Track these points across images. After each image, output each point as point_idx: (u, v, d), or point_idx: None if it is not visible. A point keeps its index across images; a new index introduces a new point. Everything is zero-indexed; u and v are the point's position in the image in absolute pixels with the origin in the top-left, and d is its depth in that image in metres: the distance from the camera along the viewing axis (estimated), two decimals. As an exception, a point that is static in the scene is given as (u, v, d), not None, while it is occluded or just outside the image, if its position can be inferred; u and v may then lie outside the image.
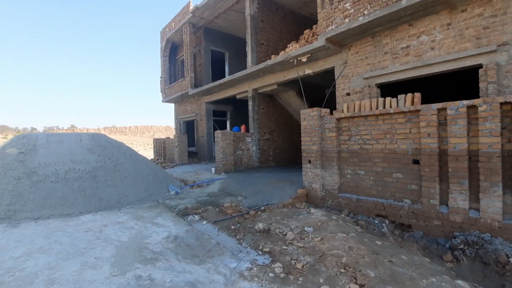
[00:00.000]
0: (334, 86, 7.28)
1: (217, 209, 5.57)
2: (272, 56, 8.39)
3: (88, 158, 6.35)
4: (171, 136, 15.04)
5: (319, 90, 11.02)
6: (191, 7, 12.29)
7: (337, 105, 7.17)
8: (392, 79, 6.12)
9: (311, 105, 9.86)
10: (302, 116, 6.17)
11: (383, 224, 4.65)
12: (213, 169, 9.68)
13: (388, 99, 4.87)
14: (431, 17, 5.54)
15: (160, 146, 15.13)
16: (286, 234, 3.96)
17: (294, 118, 12.15)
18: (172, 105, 17.08)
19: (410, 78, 5.94)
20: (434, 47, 5.54)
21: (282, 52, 8.01)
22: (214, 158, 12.89)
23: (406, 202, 4.63)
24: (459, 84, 9.21)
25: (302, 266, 3.03)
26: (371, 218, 4.95)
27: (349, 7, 6.02)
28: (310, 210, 5.11)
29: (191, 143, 14.91)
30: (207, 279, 2.88)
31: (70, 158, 6.13)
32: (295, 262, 3.14)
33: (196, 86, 13.38)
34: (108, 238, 3.99)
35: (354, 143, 5.37)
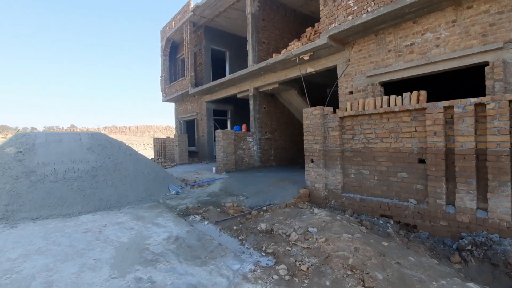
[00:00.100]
0: (337, 85, 7.19)
1: (219, 209, 5.48)
2: (274, 54, 8.30)
3: (88, 158, 6.27)
4: (171, 136, 14.95)
5: (321, 89, 10.93)
6: (191, 6, 12.19)
7: (339, 104, 7.08)
8: (396, 77, 6.03)
9: (312, 104, 9.74)
10: (305, 115, 6.08)
11: (388, 225, 4.57)
12: (213, 168, 9.60)
13: (392, 97, 4.78)
14: (436, 14, 5.45)
15: (161, 145, 15.05)
16: (289, 235, 3.87)
17: (295, 117, 12.06)
18: (172, 104, 16.99)
19: (414, 76, 5.86)
20: (439, 44, 5.45)
21: (283, 51, 7.92)
22: (215, 158, 12.81)
23: (411, 202, 4.54)
24: (463, 82, 9.12)
25: (307, 268, 2.94)
26: (375, 219, 4.86)
27: (352, 4, 5.94)
28: (313, 210, 5.03)
29: (191, 143, 14.82)
30: (209, 281, 2.79)
31: (70, 158, 6.04)
32: (299, 264, 3.05)
33: (196, 85, 13.29)
34: (108, 239, 3.91)
35: (357, 142, 5.28)
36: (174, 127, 17.34)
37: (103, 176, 6.05)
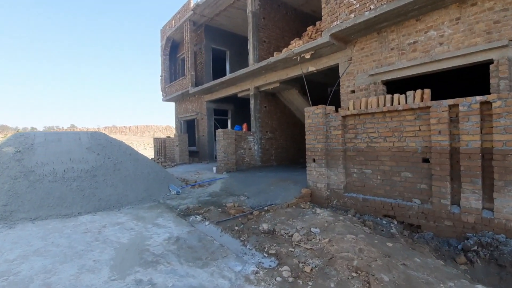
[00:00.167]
0: (338, 83, 7.12)
1: (220, 209, 5.42)
2: (275, 53, 8.24)
3: (87, 157, 6.20)
4: (172, 136, 14.89)
5: (321, 88, 10.87)
6: (191, 5, 12.12)
7: (341, 103, 7.01)
8: (398, 76, 5.96)
9: (313, 103, 9.67)
10: (307, 114, 6.01)
11: (392, 225, 4.51)
12: (214, 168, 9.53)
13: (396, 95, 4.71)
14: (440, 11, 5.39)
15: (161, 145, 14.98)
16: (292, 236, 3.81)
17: (296, 117, 12.00)
18: (173, 104, 16.93)
19: (417, 75, 5.79)
20: (443, 42, 5.39)
21: (285, 49, 7.85)
22: (215, 158, 12.74)
23: (415, 202, 4.47)
24: (467, 81, 9.05)
25: (311, 270, 2.88)
26: (378, 219, 4.79)
27: (354, 2, 5.87)
28: (315, 210, 4.96)
29: (191, 142, 14.75)
30: (211, 283, 2.73)
31: (69, 157, 5.98)
32: (303, 265, 2.99)
33: (196, 84, 13.23)
34: (107, 239, 3.85)
35: (360, 141, 5.22)
36: (174, 127, 17.28)
37: (103, 176, 5.98)
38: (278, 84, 9.47)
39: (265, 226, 4.31)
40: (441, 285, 2.58)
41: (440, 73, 6.09)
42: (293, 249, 3.43)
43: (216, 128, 13.27)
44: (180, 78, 14.47)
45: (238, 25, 12.82)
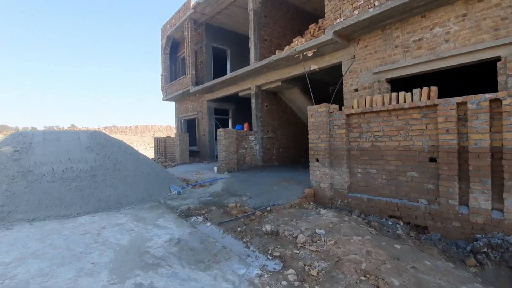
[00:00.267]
0: (341, 82, 7.02)
1: (221, 209, 5.32)
2: (277, 51, 8.13)
3: (87, 157, 6.10)
4: (172, 135, 14.79)
5: (323, 87, 10.76)
6: (192, 3, 12.01)
7: (344, 102, 6.91)
8: (403, 74, 5.86)
9: (315, 102, 9.57)
10: (310, 113, 5.90)
11: (398, 226, 4.40)
12: (215, 168, 9.44)
13: (402, 93, 4.61)
14: (446, 8, 5.28)
15: (161, 145, 14.88)
16: (296, 237, 3.71)
17: (297, 116, 11.89)
18: (173, 103, 16.82)
19: (422, 73, 5.69)
20: (449, 39, 5.28)
21: (287, 47, 7.74)
22: (216, 157, 12.64)
23: (422, 203, 4.37)
24: (472, 79, 8.93)
25: (317, 273, 2.78)
26: (384, 219, 4.68)
27: (358, -2, 5.76)
28: (319, 210, 4.86)
29: (192, 142, 14.65)
30: (214, 287, 2.63)
31: (68, 157, 5.88)
32: (309, 269, 2.89)
33: (197, 83, 13.12)
34: (107, 241, 3.75)
35: (365, 140, 5.11)
36: (174, 126, 17.17)
37: (103, 176, 5.88)
38: (280, 83, 9.36)
39: (268, 227, 4.21)
40: (454, 289, 2.48)
41: (445, 71, 5.99)
42: (298, 251, 3.32)
43: (217, 127, 13.17)
44: (181, 77, 14.37)
45: (239, 23, 12.71)
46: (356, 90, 6.66)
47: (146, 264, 3.08)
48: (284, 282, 2.68)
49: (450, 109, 3.99)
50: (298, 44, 7.40)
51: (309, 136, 5.96)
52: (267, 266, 3.08)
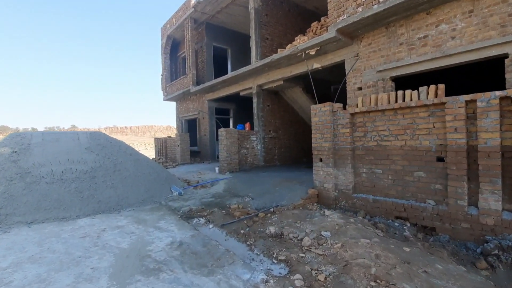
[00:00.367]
0: (345, 80, 6.91)
1: (224, 211, 5.22)
2: (278, 50, 8.01)
3: (86, 158, 6.00)
4: (173, 136, 14.68)
5: (325, 86, 10.66)
6: (192, 2, 11.90)
7: (348, 100, 6.80)
8: (408, 72, 5.74)
9: (316, 101, 9.48)
10: (313, 112, 5.80)
11: (405, 227, 4.30)
12: (216, 168, 9.33)
13: (408, 91, 4.51)
14: (451, 4, 5.16)
15: (162, 145, 14.77)
16: (302, 240, 3.60)
17: (299, 115, 11.78)
18: (173, 103, 16.72)
19: (428, 70, 5.57)
20: (455, 36, 5.17)
21: (289, 45, 7.63)
22: (217, 157, 12.54)
23: (429, 203, 4.26)
24: (478, 77, 8.81)
25: (325, 278, 2.67)
26: (390, 221, 4.58)
27: (362, -5, 5.65)
28: (324, 212, 4.75)
29: (193, 142, 14.55)
30: (218, 293, 2.53)
31: (67, 158, 5.78)
32: (316, 273, 2.78)
33: (198, 83, 13.02)
34: (107, 244, 3.64)
35: (370, 139, 5.00)
36: (175, 126, 17.06)
37: (103, 177, 5.78)
38: (282, 82, 9.25)
39: (272, 229, 4.11)
40: (469, 295, 2.38)
41: (450, 70, 5.89)
42: (303, 255, 3.22)
43: (218, 127, 13.07)
44: (181, 77, 14.26)
45: (240, 22, 12.61)
46: (360, 88, 6.56)
47: (147, 269, 2.98)
48: (290, 288, 2.58)
49: (459, 107, 3.89)
50: (301, 42, 7.29)
51: (312, 136, 5.85)
52: (272, 270, 2.97)
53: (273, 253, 3.36)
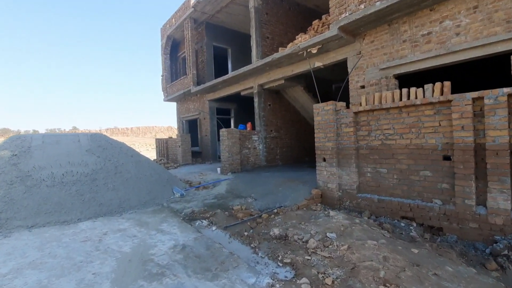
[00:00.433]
0: (345, 79, 6.82)
1: (226, 212, 5.15)
2: (280, 48, 7.94)
3: (87, 160, 5.94)
4: (173, 136, 14.63)
5: (326, 85, 10.58)
6: (192, 2, 11.83)
7: (350, 99, 6.72)
8: (412, 69, 5.66)
9: (317, 100, 9.40)
10: (316, 111, 5.72)
11: (411, 227, 4.22)
12: (218, 169, 9.26)
13: (413, 89, 4.42)
14: (455, 0, 5.08)
15: (163, 146, 14.72)
16: (307, 242, 3.53)
17: (301, 115, 11.70)
18: (174, 104, 16.66)
19: (432, 68, 5.49)
20: (460, 32, 5.08)
21: (290, 44, 7.55)
22: (219, 158, 12.47)
23: (436, 203, 4.18)
24: (483, 73, 8.72)
25: (333, 282, 2.60)
26: (396, 221, 4.51)
27: (364, -8, 5.56)
28: (328, 212, 4.68)
29: (194, 143, 14.49)
30: (223, 299, 2.46)
31: (68, 160, 5.72)
32: (323, 277, 2.71)
33: (198, 83, 12.95)
34: (109, 248, 3.58)
35: (374, 138, 4.93)
36: (176, 127, 17.01)
37: (104, 180, 5.72)
38: (283, 81, 9.17)
39: (276, 231, 4.04)
40: (482, 299, 2.30)
41: (454, 67, 5.80)
42: (309, 257, 3.15)
43: (219, 127, 12.99)
44: (182, 78, 14.20)
45: (240, 22, 12.53)
46: (363, 87, 6.47)
47: (150, 273, 2.92)
48: (297, 292, 2.51)
49: (466, 104, 3.81)
50: (302, 41, 7.21)
51: (315, 135, 5.78)
52: (277, 274, 2.91)
53: (278, 256, 3.29)
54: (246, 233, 4.14)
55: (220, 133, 9.12)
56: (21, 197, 4.74)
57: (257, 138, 9.99)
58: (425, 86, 4.28)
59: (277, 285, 2.63)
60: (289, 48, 7.41)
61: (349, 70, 6.75)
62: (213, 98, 12.96)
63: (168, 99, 15.73)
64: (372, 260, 2.82)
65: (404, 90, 4.50)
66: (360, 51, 6.52)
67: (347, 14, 5.87)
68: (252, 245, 3.72)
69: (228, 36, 13.52)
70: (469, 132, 3.79)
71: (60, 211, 4.76)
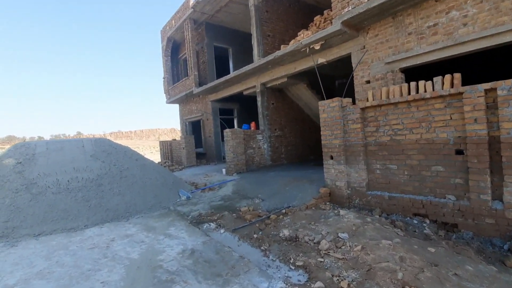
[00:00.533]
0: (349, 75, 6.70)
1: (234, 214, 5.07)
2: (282, 46, 7.84)
3: (92, 165, 5.90)
4: (177, 138, 14.58)
5: (329, 81, 10.45)
6: (191, 2, 11.76)
7: (355, 95, 6.60)
8: (418, 62, 5.53)
9: (321, 97, 9.28)
10: (321, 108, 5.62)
11: (424, 225, 4.11)
12: (223, 170, 9.19)
13: (421, 82, 4.30)
14: (462, -11, 4.94)
15: (167, 148, 14.69)
16: (318, 243, 3.44)
17: (304, 112, 11.59)
18: (177, 106, 16.63)
19: (439, 60, 5.36)
20: (467, 23, 4.94)
21: (292, 41, 7.45)
22: (223, 158, 12.41)
23: (449, 199, 4.06)
24: (490, 64, 8.54)
25: (348, 285, 2.51)
26: (408, 218, 4.40)
27: (367, -15, 5.44)
28: (338, 211, 4.58)
29: (198, 144, 14.44)
30: (235, 306, 2.38)
31: (72, 166, 5.68)
32: (338, 280, 2.62)
33: (200, 84, 12.89)
34: (117, 255, 3.52)
35: (383, 134, 4.81)
36: (179, 129, 16.97)
37: (109, 185, 5.67)
38: (286, 79, 9.06)
39: (286, 232, 3.95)
40: (508, 300, 2.20)
41: (460, 59, 5.65)
42: (322, 259, 3.06)
43: (222, 128, 12.92)
44: (183, 79, 14.14)
45: (240, 21, 12.44)
46: (368, 82, 6.35)
47: (159, 280, 2.85)
48: (312, 297, 2.42)
49: (478, 96, 3.68)
50: (304, 37, 7.10)
51: (321, 133, 5.67)
52: (290, 278, 2.82)
53: (290, 259, 3.20)
54: (255, 235, 4.06)
55: (224, 133, 9.04)
56: (27, 205, 4.70)
57: (261, 138, 9.90)
58: (434, 78, 4.16)
59: (291, 290, 2.55)
60: (292, 45, 7.31)
61: (353, 65, 6.63)
62: (215, 99, 12.89)
63: (170, 101, 15.70)
64: (388, 261, 2.72)
65: (413, 84, 4.38)
66: (364, 46, 6.39)
67: (350, 8, 5.75)
68: (262, 247, 3.64)
69: (229, 36, 13.43)
70: (483, 124, 3.66)
71: (66, 218, 4.72)
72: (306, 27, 8.95)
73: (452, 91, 3.91)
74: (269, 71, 9.36)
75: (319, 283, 2.57)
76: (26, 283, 2.90)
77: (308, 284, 2.63)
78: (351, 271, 2.74)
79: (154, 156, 25.55)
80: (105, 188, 5.57)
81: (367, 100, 4.95)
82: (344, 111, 5.30)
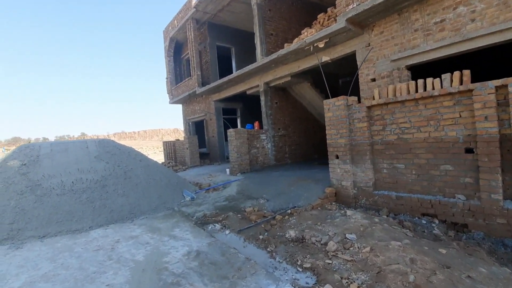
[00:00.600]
0: (356, 73, 6.62)
1: (239, 215, 5.03)
2: (285, 44, 7.76)
3: (96, 167, 5.88)
4: (180, 138, 14.56)
5: (332, 80, 10.35)
6: (193, 2, 11.72)
7: (361, 93, 6.51)
8: (425, 59, 5.43)
9: (325, 95, 9.22)
10: (326, 107, 5.55)
11: (433, 225, 4.04)
12: (227, 170, 9.15)
13: (429, 80, 4.22)
14: (469, -16, 4.84)
15: (171, 149, 14.68)
16: (326, 244, 3.38)
17: (308, 111, 11.50)
18: (180, 106, 16.61)
19: (447, 56, 5.25)
20: (475, 18, 4.84)
21: (296, 39, 7.37)
22: (227, 158, 12.36)
23: (459, 198, 3.98)
24: (497, 61, 8.40)
25: (358, 288, 2.45)
26: (416, 218, 4.32)
27: (372, -19, 5.35)
28: (345, 211, 4.51)
29: (201, 144, 14.41)
30: (243, 310, 2.33)
31: (77, 168, 5.66)
32: (347, 282, 2.56)
33: (203, 84, 12.85)
34: (121, 257, 3.49)
35: (389, 133, 4.74)
36: (182, 129, 16.95)
37: (114, 186, 5.65)
38: (289, 78, 8.98)
39: (292, 233, 3.90)
40: (526, 304, 2.12)
41: (467, 56, 5.54)
42: (330, 261, 3.00)
43: (225, 127, 12.87)
44: (186, 79, 14.11)
45: (243, 20, 12.37)
46: (373, 80, 6.26)
47: (165, 283, 2.80)
48: (321, 301, 2.37)
49: (488, 93, 3.60)
50: (308, 35, 7.02)
51: (326, 132, 5.61)
52: (298, 280, 2.76)
53: (297, 260, 3.15)
54: (261, 237, 4.01)
55: (228, 133, 9.00)
56: (31, 206, 4.69)
57: (265, 137, 9.85)
58: (443, 76, 4.08)
59: (299, 293, 2.49)
60: (295, 44, 7.23)
61: (358, 63, 6.54)
62: (218, 99, 12.85)
63: (173, 101, 15.68)
64: (398, 263, 2.65)
65: (420, 81, 4.30)
66: (369, 43, 6.30)
67: (355, 5, 5.66)
68: (268, 249, 3.59)
69: (231, 35, 13.37)
70: (493, 122, 3.58)
71: (71, 219, 4.70)
72: (309, 25, 8.87)
73: (461, 88, 3.83)
74: (272, 70, 9.30)
75: (328, 286, 2.51)
76: (31, 286, 2.87)
77: (317, 287, 2.57)
78: (361, 273, 2.68)
79: (158, 156, 25.59)
80: (109, 189, 5.55)
81: (373, 98, 4.88)
82: (350, 109, 5.22)
